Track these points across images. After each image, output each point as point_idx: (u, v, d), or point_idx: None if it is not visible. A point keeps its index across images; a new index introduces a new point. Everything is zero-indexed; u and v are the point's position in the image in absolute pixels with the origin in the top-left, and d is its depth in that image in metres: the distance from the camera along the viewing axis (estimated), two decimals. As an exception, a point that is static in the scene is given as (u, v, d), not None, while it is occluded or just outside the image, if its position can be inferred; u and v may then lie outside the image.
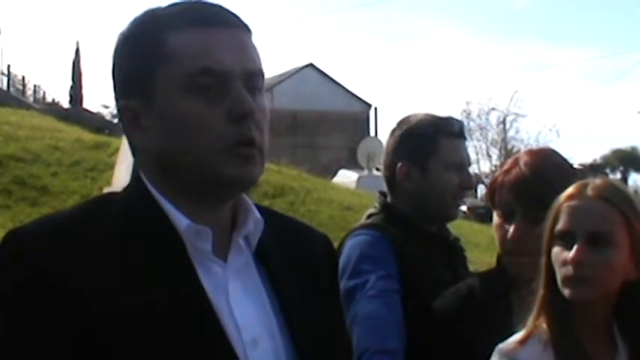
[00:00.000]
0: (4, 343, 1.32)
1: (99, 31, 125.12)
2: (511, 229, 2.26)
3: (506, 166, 2.35)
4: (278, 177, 17.88)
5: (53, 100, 49.29)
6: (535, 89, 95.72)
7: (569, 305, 1.93)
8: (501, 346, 1.96)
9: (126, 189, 1.53)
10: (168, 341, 1.35)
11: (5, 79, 39.98)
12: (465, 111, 39.08)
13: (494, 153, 39.62)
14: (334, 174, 29.26)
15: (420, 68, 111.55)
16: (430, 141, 2.74)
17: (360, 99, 50.62)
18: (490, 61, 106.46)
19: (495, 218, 2.33)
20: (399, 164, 2.76)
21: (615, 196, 1.95)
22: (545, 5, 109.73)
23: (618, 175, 53.99)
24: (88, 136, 19.71)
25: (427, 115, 2.83)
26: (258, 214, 1.51)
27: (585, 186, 1.98)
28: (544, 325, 1.95)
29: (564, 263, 1.92)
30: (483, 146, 40.14)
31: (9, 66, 40.91)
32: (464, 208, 22.07)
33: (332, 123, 47.81)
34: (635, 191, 16.28)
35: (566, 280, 1.92)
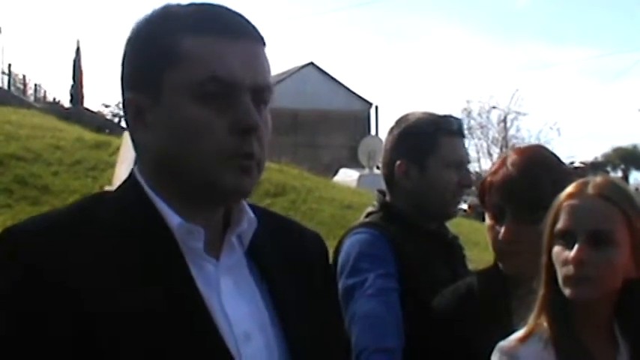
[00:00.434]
0: (2, 343, 1.32)
1: (100, 30, 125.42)
2: (502, 230, 2.24)
3: (494, 167, 2.33)
4: (279, 176, 17.87)
5: (54, 99, 49.23)
6: (536, 88, 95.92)
7: (570, 304, 1.93)
8: (502, 343, 1.95)
9: (120, 187, 1.53)
10: (164, 339, 1.35)
11: (6, 78, 39.99)
12: (465, 109, 39.30)
13: (495, 151, 39.66)
14: (335, 173, 29.28)
15: (420, 67, 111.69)
16: (429, 139, 2.73)
17: (361, 98, 50.64)
18: (491, 59, 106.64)
19: (487, 219, 2.31)
20: (398, 162, 2.76)
21: (616, 194, 1.94)
22: (546, 4, 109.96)
23: (619, 174, 54.06)
24: (89, 136, 19.70)
25: (425, 113, 2.83)
26: (251, 214, 1.52)
27: (585, 184, 1.96)
28: (545, 324, 1.95)
29: (565, 263, 1.91)
30: (484, 145, 40.32)
31: (10, 65, 40.92)
32: (464, 206, 22.07)
33: (333, 122, 47.84)
34: (637, 189, 16.27)
35: (567, 279, 1.91)
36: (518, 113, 40.34)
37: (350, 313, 2.45)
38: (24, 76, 46.96)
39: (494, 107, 40.15)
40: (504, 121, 40.42)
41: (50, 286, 1.32)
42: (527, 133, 40.57)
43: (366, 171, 26.47)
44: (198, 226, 1.44)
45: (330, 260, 1.83)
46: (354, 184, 23.98)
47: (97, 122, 31.60)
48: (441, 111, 2.85)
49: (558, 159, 2.35)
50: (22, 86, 45.95)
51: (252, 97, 1.44)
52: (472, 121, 39.22)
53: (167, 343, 1.36)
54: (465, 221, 16.47)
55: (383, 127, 54.78)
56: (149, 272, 1.39)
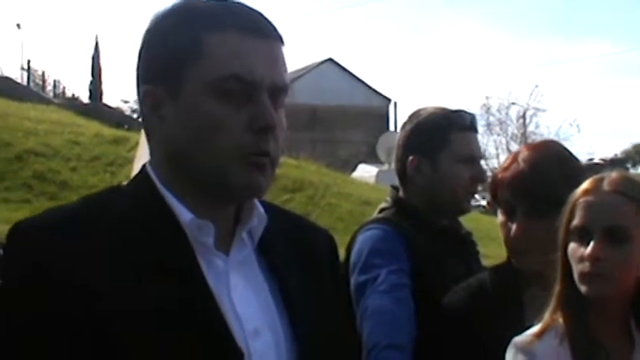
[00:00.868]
0: (9, 341, 1.33)
1: (118, 25, 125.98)
2: (514, 227, 2.22)
3: (505, 163, 2.30)
4: (297, 171, 17.93)
5: (73, 95, 49.62)
6: (555, 83, 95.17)
7: (586, 301, 1.91)
8: (517, 339, 1.94)
9: (132, 182, 1.54)
10: (173, 334, 1.36)
11: (25, 74, 40.30)
12: (484, 105, 39.11)
13: (515, 148, 39.46)
14: (354, 169, 29.33)
15: (439, 63, 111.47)
16: (441, 134, 2.72)
17: (380, 94, 50.63)
18: (510, 55, 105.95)
19: (499, 216, 2.29)
20: (410, 158, 2.74)
21: (632, 190, 1.93)
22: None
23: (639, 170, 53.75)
24: (108, 131, 19.84)
25: (438, 108, 2.81)
26: (262, 210, 1.52)
27: (601, 180, 1.95)
28: (560, 320, 1.94)
29: (581, 259, 1.90)
30: (503, 141, 40.09)
31: (29, 61, 41.40)
32: (484, 202, 21.97)
33: (351, 118, 47.82)
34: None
35: (583, 276, 1.90)
36: (538, 109, 40.16)
37: (362, 309, 2.44)
38: (43, 72, 47.43)
39: (513, 103, 39.98)
40: (523, 117, 40.24)
41: (58, 284, 1.32)
42: (547, 129, 40.43)
43: (385, 167, 26.43)
44: (209, 222, 1.45)
45: (343, 256, 1.82)
46: (372, 180, 24.02)
47: (116, 118, 31.79)
48: (460, 107, 2.83)
49: (571, 154, 2.33)
50: (41, 82, 46.33)
51: (270, 97, 1.45)
52: (491, 117, 39.12)
53: (176, 339, 1.36)
54: (484, 217, 16.42)
55: (402, 123, 54.69)
56: (159, 268, 1.39)
